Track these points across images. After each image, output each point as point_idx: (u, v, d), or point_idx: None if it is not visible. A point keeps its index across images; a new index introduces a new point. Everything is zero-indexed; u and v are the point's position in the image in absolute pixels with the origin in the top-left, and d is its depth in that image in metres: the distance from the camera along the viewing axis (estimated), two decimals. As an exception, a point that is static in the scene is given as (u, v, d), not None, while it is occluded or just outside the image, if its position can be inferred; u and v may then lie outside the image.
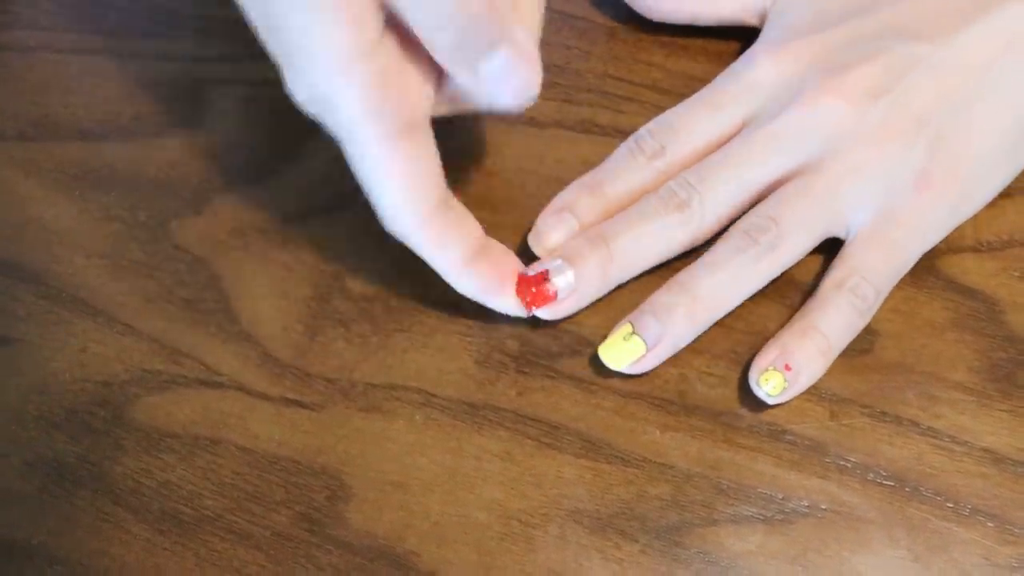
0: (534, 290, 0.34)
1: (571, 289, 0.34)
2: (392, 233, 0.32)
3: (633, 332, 0.33)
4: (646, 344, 0.33)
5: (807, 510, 0.32)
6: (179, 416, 0.35)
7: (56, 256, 0.39)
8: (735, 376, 0.34)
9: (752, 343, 0.35)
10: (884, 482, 0.32)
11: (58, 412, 0.36)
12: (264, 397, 0.35)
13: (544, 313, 0.34)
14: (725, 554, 0.32)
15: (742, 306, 0.34)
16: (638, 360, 0.33)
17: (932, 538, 0.32)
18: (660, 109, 0.37)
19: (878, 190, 0.33)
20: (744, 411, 0.34)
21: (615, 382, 0.35)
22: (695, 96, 0.37)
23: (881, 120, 0.33)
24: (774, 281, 0.34)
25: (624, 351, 0.33)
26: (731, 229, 0.34)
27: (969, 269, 0.36)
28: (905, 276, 0.35)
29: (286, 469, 0.34)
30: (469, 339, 0.36)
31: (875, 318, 0.34)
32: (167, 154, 0.41)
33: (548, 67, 0.42)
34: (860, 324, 0.34)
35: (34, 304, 0.38)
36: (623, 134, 0.37)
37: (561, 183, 0.37)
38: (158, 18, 0.45)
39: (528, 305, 0.34)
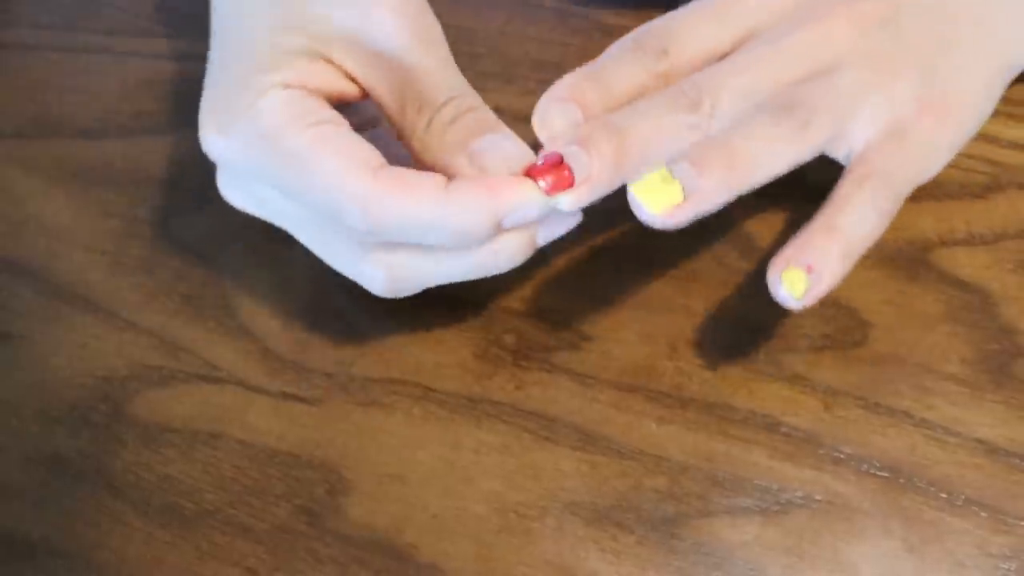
0: (551, 179, 0.31)
1: (586, 175, 0.31)
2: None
3: (670, 176, 0.31)
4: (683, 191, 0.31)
5: (802, 501, 0.32)
6: (179, 410, 0.36)
7: (56, 253, 0.39)
8: (730, 369, 0.35)
9: (747, 337, 0.35)
10: (878, 473, 0.33)
11: (58, 407, 0.36)
12: (263, 391, 0.36)
13: (564, 200, 0.31)
14: (721, 545, 0.32)
15: (737, 300, 0.35)
16: (676, 210, 0.31)
17: (926, 528, 0.32)
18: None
19: (883, 108, 0.34)
20: (739, 404, 0.34)
21: (611, 376, 0.35)
22: (696, 3, 0.35)
23: (885, 47, 0.34)
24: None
25: (663, 194, 0.31)
26: (761, 105, 0.33)
27: (962, 262, 0.36)
28: (898, 269, 0.35)
29: (285, 463, 0.34)
30: (467, 333, 0.36)
31: (868, 310, 0.35)
32: (166, 151, 0.41)
33: (545, 64, 0.42)
34: (881, 228, 0.33)
35: (34, 300, 0.38)
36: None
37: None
38: (157, 17, 0.45)
39: (554, 187, 0.31)
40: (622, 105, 0.33)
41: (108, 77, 0.44)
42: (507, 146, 0.32)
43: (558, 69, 0.41)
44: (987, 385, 0.34)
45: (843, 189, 0.33)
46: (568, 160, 0.31)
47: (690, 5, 0.35)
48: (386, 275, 0.32)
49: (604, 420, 0.34)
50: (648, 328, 0.36)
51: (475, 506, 0.33)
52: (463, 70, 0.40)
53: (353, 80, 0.33)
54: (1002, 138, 0.37)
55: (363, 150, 0.31)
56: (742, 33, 0.34)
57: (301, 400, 0.35)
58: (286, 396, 0.36)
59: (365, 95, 0.33)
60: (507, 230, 0.31)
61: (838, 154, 0.34)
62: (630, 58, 0.34)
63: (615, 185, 0.32)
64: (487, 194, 0.31)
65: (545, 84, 0.41)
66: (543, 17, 0.43)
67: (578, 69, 0.33)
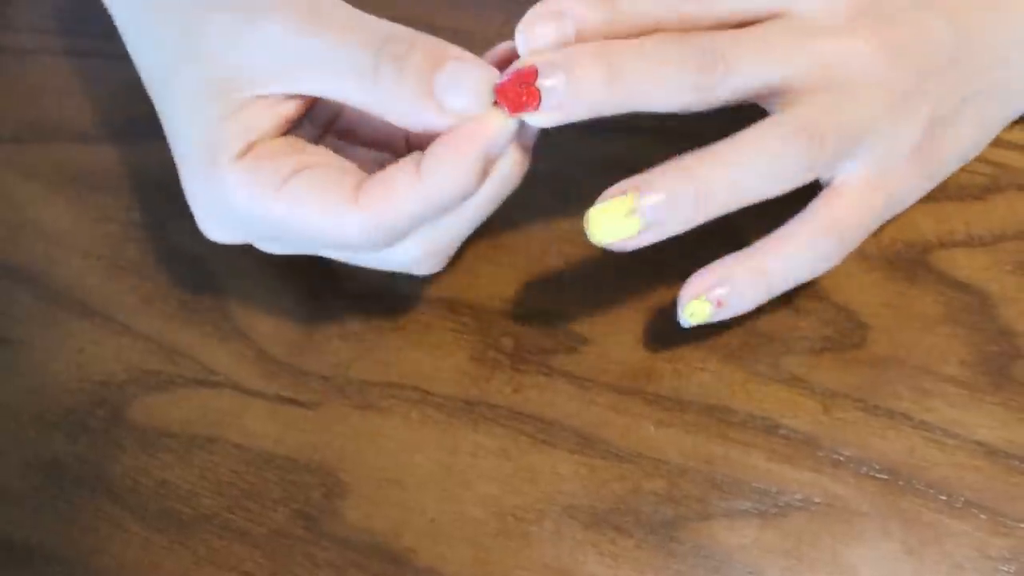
0: (516, 99, 0.30)
1: (561, 97, 0.29)
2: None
3: (634, 210, 0.30)
4: (641, 224, 0.30)
5: (801, 504, 0.32)
6: (176, 415, 0.36)
7: (53, 257, 0.39)
8: (729, 371, 0.34)
9: (746, 339, 0.35)
10: (877, 475, 0.33)
11: (56, 412, 0.36)
12: (260, 395, 0.36)
13: (532, 121, 0.30)
14: (720, 548, 0.32)
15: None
16: (628, 240, 0.30)
17: (925, 531, 0.32)
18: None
19: (878, 146, 0.33)
20: (738, 406, 0.34)
21: (610, 379, 0.35)
22: None
23: (903, 88, 0.33)
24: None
25: (621, 226, 0.30)
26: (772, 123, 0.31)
27: (961, 263, 0.36)
28: (897, 271, 0.35)
29: (282, 467, 0.34)
30: (464, 336, 0.36)
31: (867, 312, 0.35)
32: (162, 156, 0.41)
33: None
34: (814, 274, 0.32)
35: (32, 305, 0.38)
36: (618, 130, 0.37)
37: (559, 180, 0.37)
38: (153, 20, 0.45)
39: (511, 109, 0.30)
40: (629, 36, 0.31)
41: (106, 82, 0.44)
42: (466, 79, 0.30)
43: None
44: (986, 387, 0.34)
45: (792, 228, 0.32)
46: (542, 77, 0.29)
47: None
48: (423, 254, 0.33)
49: (602, 423, 0.34)
50: (646, 331, 0.35)
51: (473, 510, 0.33)
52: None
53: (292, 96, 0.31)
54: (1002, 139, 0.37)
55: (337, 184, 0.31)
56: (775, 8, 0.32)
57: (298, 404, 0.35)
58: (283, 400, 0.35)
59: (312, 100, 0.32)
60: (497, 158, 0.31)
61: (821, 176, 0.33)
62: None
63: (595, 113, 0.30)
64: (457, 156, 0.30)
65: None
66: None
67: None
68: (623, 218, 0.30)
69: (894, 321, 0.35)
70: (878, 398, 0.34)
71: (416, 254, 0.33)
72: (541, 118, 0.30)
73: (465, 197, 0.31)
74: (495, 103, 0.30)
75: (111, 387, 0.36)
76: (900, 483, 0.32)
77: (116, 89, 0.43)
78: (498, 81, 0.30)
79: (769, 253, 0.32)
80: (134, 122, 0.42)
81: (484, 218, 0.33)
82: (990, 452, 0.33)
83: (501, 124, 0.30)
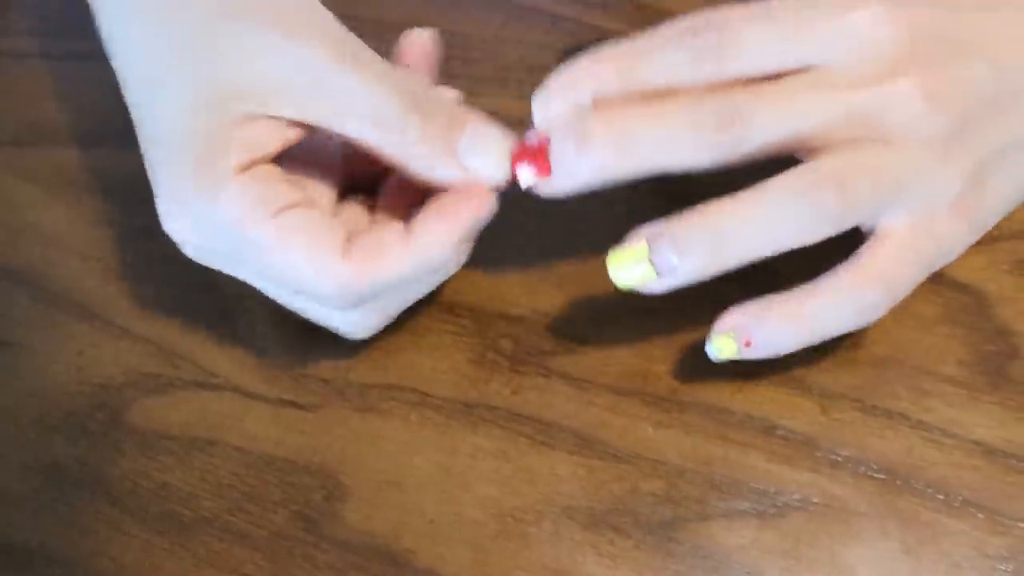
0: (532, 167, 0.31)
1: (572, 165, 0.30)
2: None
3: (647, 258, 0.31)
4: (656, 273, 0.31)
5: (799, 504, 0.33)
6: (176, 418, 0.36)
7: (52, 260, 0.39)
8: (727, 372, 0.35)
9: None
10: (875, 475, 0.33)
11: (56, 415, 0.36)
12: (260, 398, 0.36)
13: (541, 188, 0.31)
14: (718, 548, 0.32)
15: (734, 304, 0.35)
16: (648, 285, 0.31)
17: (923, 530, 0.32)
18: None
19: (918, 197, 0.32)
20: (736, 407, 0.34)
21: (608, 380, 0.35)
22: (765, 5, 0.31)
23: (944, 136, 0.32)
24: (765, 276, 0.35)
25: (637, 273, 0.31)
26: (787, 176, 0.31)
27: (958, 263, 0.35)
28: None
29: (282, 469, 0.34)
30: (463, 339, 0.36)
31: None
32: (162, 158, 0.41)
33: (538, 68, 0.42)
34: (856, 325, 0.32)
35: (31, 308, 0.38)
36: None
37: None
38: (152, 24, 0.45)
39: (524, 176, 0.31)
40: (646, 96, 0.31)
41: (104, 86, 0.43)
42: (487, 143, 0.32)
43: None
44: (984, 387, 0.34)
45: (835, 276, 0.31)
46: (553, 145, 0.30)
47: (761, 7, 0.32)
48: (376, 321, 0.34)
49: (601, 424, 0.34)
50: (644, 332, 0.36)
51: (472, 511, 0.33)
52: (458, 75, 0.40)
53: (298, 123, 0.31)
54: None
55: (328, 233, 0.31)
56: (807, 63, 0.31)
57: (298, 407, 0.35)
58: (283, 403, 0.36)
59: (312, 130, 0.32)
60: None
61: (862, 226, 0.32)
62: (678, 47, 0.31)
63: (605, 180, 0.31)
64: (448, 228, 0.31)
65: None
66: (538, 22, 0.43)
67: (618, 44, 0.32)
68: (637, 265, 0.30)
69: (892, 321, 0.35)
70: (876, 398, 0.34)
71: (370, 320, 0.34)
72: (554, 185, 0.31)
73: (446, 268, 0.32)
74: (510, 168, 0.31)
75: (111, 390, 0.36)
76: (898, 483, 0.33)
77: (116, 93, 0.43)
78: (514, 148, 0.31)
79: (808, 300, 0.31)
80: (133, 126, 0.42)
81: (424, 293, 0.34)
82: (988, 451, 0.33)
83: (490, 200, 0.32)
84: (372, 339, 0.36)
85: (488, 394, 0.35)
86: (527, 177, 0.31)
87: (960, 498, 0.32)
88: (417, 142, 0.31)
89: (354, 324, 0.34)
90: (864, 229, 0.32)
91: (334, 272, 0.30)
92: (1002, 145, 0.32)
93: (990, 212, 0.33)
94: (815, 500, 0.33)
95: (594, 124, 0.30)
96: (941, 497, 0.32)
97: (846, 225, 0.31)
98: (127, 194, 0.40)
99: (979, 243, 0.36)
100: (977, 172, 0.32)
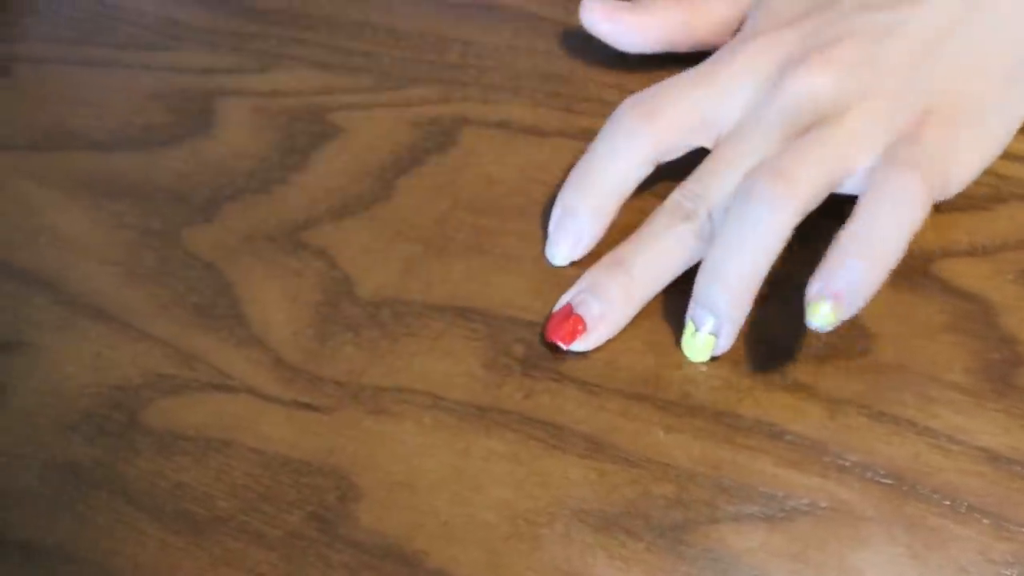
0: (563, 334, 0.35)
1: (599, 317, 0.35)
2: None
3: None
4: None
5: (807, 508, 0.33)
6: (192, 419, 0.36)
7: (70, 263, 0.40)
8: (737, 378, 0.35)
9: (753, 346, 0.35)
10: (882, 481, 0.33)
11: (73, 416, 0.36)
12: (275, 400, 0.36)
13: (578, 345, 0.35)
14: (728, 551, 0.32)
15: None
16: (583, 341, 0.35)
17: (930, 535, 0.32)
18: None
19: (879, 140, 0.34)
20: (745, 412, 0.34)
21: (619, 385, 0.35)
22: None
23: (865, 86, 0.34)
24: (774, 283, 0.35)
25: (702, 344, 0.35)
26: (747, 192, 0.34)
27: (963, 272, 0.36)
28: (901, 280, 0.36)
29: (297, 470, 0.35)
30: (476, 343, 0.36)
31: (871, 321, 0.35)
32: (177, 163, 0.42)
33: (550, 76, 0.43)
34: (904, 238, 0.33)
35: (49, 310, 0.39)
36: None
37: (565, 190, 0.37)
38: (168, 31, 0.46)
39: (562, 340, 0.35)
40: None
41: (119, 90, 0.44)
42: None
43: (565, 81, 0.42)
44: (989, 394, 0.34)
45: (870, 203, 0.33)
46: (576, 307, 0.35)
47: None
48: None
49: (612, 428, 0.35)
50: (656, 337, 0.36)
51: (484, 513, 0.34)
52: (470, 83, 0.41)
53: None
54: (1004, 151, 0.38)
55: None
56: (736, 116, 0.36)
57: (312, 409, 0.36)
58: (298, 405, 0.36)
59: None
60: None
61: (848, 192, 0.34)
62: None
63: (632, 313, 0.36)
64: None
65: (552, 96, 0.42)
66: (550, 31, 0.44)
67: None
68: (693, 339, 0.35)
69: (898, 329, 0.35)
70: (883, 405, 0.34)
71: None
72: (592, 338, 0.35)
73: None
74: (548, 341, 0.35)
75: (127, 391, 0.37)
76: (905, 488, 0.33)
77: (130, 97, 0.44)
78: (547, 331, 0.35)
79: (852, 227, 0.33)
80: (150, 130, 0.43)
81: None
82: (993, 458, 0.33)
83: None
84: (385, 342, 0.37)
85: (501, 398, 0.35)
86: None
87: (966, 504, 0.33)
88: None
89: None
90: (852, 190, 0.34)
91: None
92: (921, 63, 0.35)
93: (968, 110, 0.35)
94: (823, 505, 0.33)
95: (599, 275, 0.36)
96: (947, 503, 0.33)
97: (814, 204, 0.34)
98: (142, 197, 0.41)
99: (984, 252, 0.37)
100: (918, 94, 0.34)
